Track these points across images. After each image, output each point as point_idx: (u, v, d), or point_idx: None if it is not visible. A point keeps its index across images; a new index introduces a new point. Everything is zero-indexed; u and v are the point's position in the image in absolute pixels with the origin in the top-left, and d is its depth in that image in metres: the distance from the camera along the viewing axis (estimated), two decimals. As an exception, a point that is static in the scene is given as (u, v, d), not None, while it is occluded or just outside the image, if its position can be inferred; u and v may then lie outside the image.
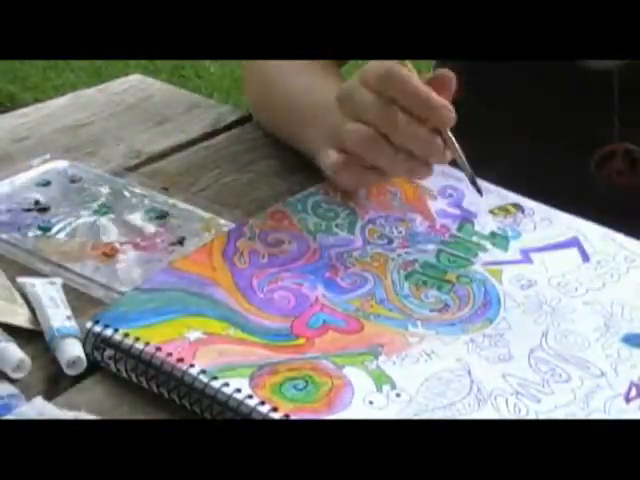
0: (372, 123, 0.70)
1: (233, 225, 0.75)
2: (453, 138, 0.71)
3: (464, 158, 0.72)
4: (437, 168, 0.80)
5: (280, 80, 0.89)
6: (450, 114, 0.69)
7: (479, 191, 0.73)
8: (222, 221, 0.76)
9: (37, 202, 0.77)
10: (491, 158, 0.91)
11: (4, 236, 0.72)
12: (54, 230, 0.74)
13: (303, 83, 0.86)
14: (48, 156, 0.83)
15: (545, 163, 0.92)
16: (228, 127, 0.94)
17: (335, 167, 0.74)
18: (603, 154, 0.90)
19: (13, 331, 0.62)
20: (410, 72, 0.70)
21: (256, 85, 0.95)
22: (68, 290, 0.67)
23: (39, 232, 0.73)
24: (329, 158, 0.74)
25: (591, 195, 0.89)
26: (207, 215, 0.77)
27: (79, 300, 0.66)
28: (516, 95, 0.91)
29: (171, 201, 0.79)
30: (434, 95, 0.69)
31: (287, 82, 0.88)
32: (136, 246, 0.73)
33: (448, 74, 0.71)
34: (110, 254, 0.71)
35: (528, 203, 0.79)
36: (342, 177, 0.75)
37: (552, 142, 0.92)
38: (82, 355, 0.60)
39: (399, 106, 0.69)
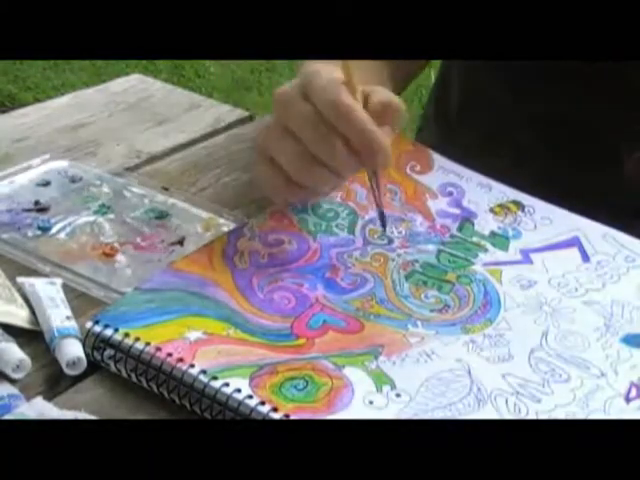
0: (308, 144, 0.65)
1: (233, 225, 0.75)
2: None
3: (380, 195, 0.71)
4: (436, 164, 0.80)
5: None
6: (386, 160, 0.66)
7: (384, 226, 0.72)
8: (222, 221, 0.76)
9: (37, 202, 0.77)
10: (495, 153, 0.91)
11: (4, 236, 0.72)
12: (54, 230, 0.74)
13: None
14: (48, 156, 0.84)
15: (554, 159, 0.91)
16: (228, 127, 0.94)
17: (263, 183, 0.70)
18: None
19: (13, 331, 0.62)
20: (356, 100, 0.65)
21: None
22: (68, 290, 0.67)
23: (39, 232, 0.73)
24: (256, 170, 0.70)
25: (592, 191, 0.88)
26: (207, 215, 0.77)
27: (79, 300, 0.66)
28: (528, 91, 0.90)
29: (171, 201, 0.79)
30: (377, 135, 0.64)
31: None
32: (136, 246, 0.73)
33: (395, 106, 0.68)
34: (110, 254, 0.71)
35: (529, 200, 0.79)
36: (270, 193, 0.71)
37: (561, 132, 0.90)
38: (82, 355, 0.60)
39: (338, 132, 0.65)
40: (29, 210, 0.76)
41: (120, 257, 0.71)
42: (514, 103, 0.92)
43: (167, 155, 0.89)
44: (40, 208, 0.76)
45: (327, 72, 0.65)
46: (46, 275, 0.68)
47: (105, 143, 0.90)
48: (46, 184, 0.80)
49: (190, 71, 3.28)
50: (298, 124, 0.65)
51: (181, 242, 0.74)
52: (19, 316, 0.64)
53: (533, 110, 0.91)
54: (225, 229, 0.75)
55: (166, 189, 0.81)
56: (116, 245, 0.72)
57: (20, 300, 0.65)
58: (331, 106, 0.63)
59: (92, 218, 0.76)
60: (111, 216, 0.76)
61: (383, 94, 0.68)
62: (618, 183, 0.89)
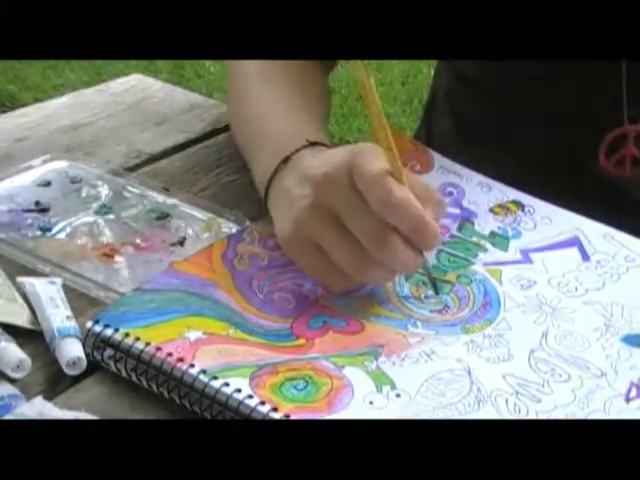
0: (365, 243, 0.63)
1: (233, 225, 0.75)
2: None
3: (430, 267, 0.69)
4: (436, 164, 0.80)
5: (244, 95, 0.86)
6: (436, 244, 0.65)
7: (436, 291, 0.68)
8: (222, 221, 0.76)
9: (37, 203, 0.77)
10: (492, 149, 0.91)
11: (4, 236, 0.72)
12: (54, 230, 0.74)
13: (265, 103, 0.82)
14: (48, 156, 0.84)
15: (546, 150, 0.91)
16: (228, 127, 0.94)
17: (310, 270, 0.67)
18: (613, 138, 0.87)
19: (13, 331, 0.62)
20: (403, 184, 0.63)
21: (230, 92, 0.92)
22: (68, 290, 0.67)
23: (39, 232, 0.73)
24: (301, 257, 0.67)
25: (597, 187, 0.88)
26: (207, 215, 0.77)
27: (79, 300, 0.66)
28: (518, 81, 0.90)
29: (171, 201, 0.79)
30: (429, 223, 0.63)
31: (250, 98, 0.85)
32: (136, 247, 0.73)
33: (443, 203, 0.67)
34: (110, 254, 0.71)
35: (528, 200, 0.79)
36: (319, 280, 0.67)
37: (554, 129, 0.90)
38: (82, 355, 0.60)
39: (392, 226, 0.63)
40: (30, 210, 0.76)
41: (120, 258, 0.71)
42: (499, 135, 0.93)
43: (167, 155, 0.89)
44: (41, 209, 0.76)
45: (372, 159, 0.63)
46: (46, 275, 0.68)
47: (105, 143, 0.90)
48: (46, 184, 0.80)
49: (190, 71, 3.28)
50: (349, 216, 0.63)
51: (181, 243, 0.74)
52: (19, 316, 0.64)
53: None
54: (225, 229, 0.75)
55: (166, 189, 0.81)
56: (116, 246, 0.72)
57: (20, 300, 0.65)
58: (383, 203, 0.62)
59: (92, 219, 0.76)
60: (111, 217, 0.76)
61: (421, 186, 0.66)
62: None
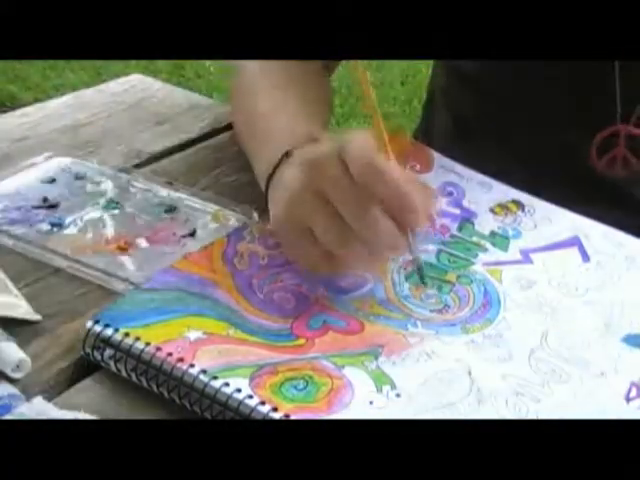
0: (343, 212, 0.63)
1: (240, 217, 0.76)
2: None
3: (418, 251, 0.68)
4: (436, 163, 0.80)
5: (249, 93, 0.87)
6: (420, 221, 0.64)
7: (422, 280, 0.68)
8: (229, 213, 0.77)
9: (45, 199, 0.77)
10: (490, 147, 0.91)
11: (18, 232, 0.72)
12: (67, 226, 0.74)
13: (269, 102, 0.83)
14: (51, 153, 0.84)
15: (544, 148, 0.91)
16: (228, 127, 0.94)
17: (299, 256, 0.68)
18: (605, 137, 0.87)
19: (13, 330, 0.62)
20: (393, 164, 0.63)
21: (235, 90, 0.92)
22: (85, 283, 0.68)
23: (51, 228, 0.74)
24: (292, 242, 0.67)
25: (596, 186, 0.88)
26: (213, 208, 0.78)
27: (95, 294, 0.67)
28: (515, 79, 0.90)
29: (177, 195, 0.79)
30: (411, 195, 0.63)
31: (255, 97, 0.85)
32: (149, 239, 0.73)
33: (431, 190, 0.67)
34: (124, 248, 0.72)
35: (529, 200, 0.79)
36: (308, 266, 0.68)
37: (551, 126, 0.91)
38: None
39: (375, 197, 0.63)
40: (39, 207, 0.76)
41: (135, 250, 0.72)
42: (497, 132, 0.93)
43: (167, 155, 0.89)
44: (50, 205, 0.76)
45: (361, 138, 0.64)
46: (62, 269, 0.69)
47: (105, 143, 0.90)
48: (51, 181, 0.80)
49: (190, 71, 3.28)
50: (335, 193, 0.63)
51: (192, 234, 0.74)
52: (16, 308, 0.63)
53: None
54: (233, 220, 0.75)
55: (170, 183, 0.81)
56: (130, 239, 0.73)
57: (15, 291, 0.65)
58: (366, 168, 0.62)
59: (102, 213, 0.76)
60: (120, 211, 0.77)
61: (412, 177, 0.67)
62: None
